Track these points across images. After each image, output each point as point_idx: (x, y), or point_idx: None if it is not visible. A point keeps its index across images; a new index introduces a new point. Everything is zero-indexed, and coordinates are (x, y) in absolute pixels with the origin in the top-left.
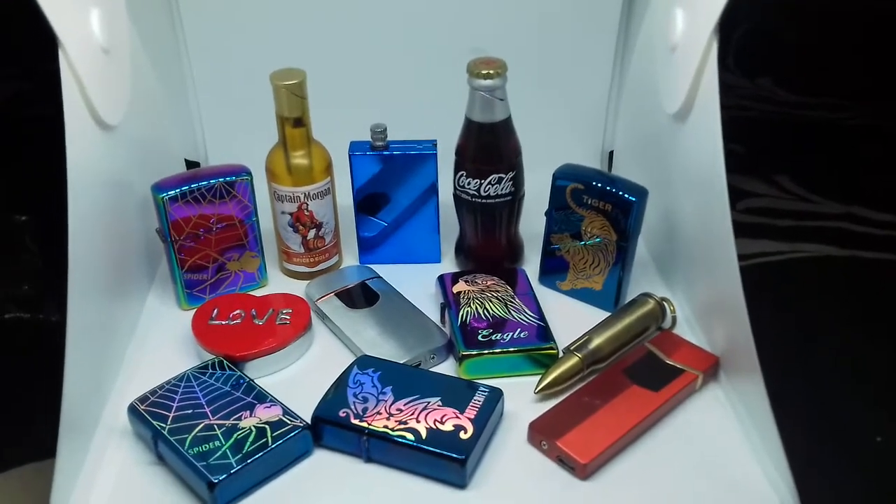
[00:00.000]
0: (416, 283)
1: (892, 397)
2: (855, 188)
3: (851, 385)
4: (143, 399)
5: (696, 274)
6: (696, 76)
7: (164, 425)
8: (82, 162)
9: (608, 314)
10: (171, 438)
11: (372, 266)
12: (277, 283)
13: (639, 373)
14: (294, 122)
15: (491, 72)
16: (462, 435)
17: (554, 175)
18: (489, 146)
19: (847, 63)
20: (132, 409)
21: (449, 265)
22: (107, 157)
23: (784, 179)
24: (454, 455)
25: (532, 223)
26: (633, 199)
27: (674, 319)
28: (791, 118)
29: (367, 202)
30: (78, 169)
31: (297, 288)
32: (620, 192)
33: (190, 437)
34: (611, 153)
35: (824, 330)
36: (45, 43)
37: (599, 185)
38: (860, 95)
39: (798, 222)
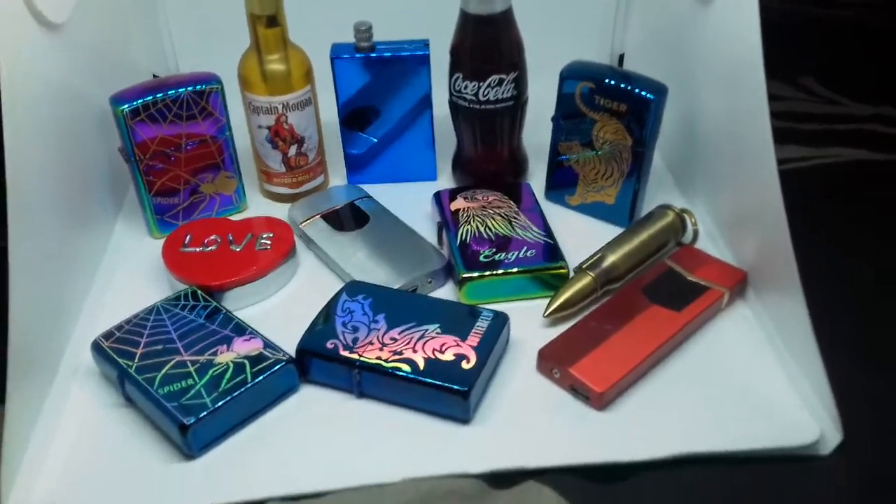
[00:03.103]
0: (410, 203)
1: None
2: (885, 89)
3: (891, 304)
4: (107, 335)
5: (721, 182)
6: None
7: (130, 363)
8: (20, 66)
9: (623, 229)
10: (139, 377)
11: (361, 186)
12: (257, 206)
13: (658, 291)
14: (267, 22)
15: None
16: (464, 364)
17: (561, 74)
18: (488, 42)
19: None
20: (96, 347)
21: (446, 182)
22: (52, 63)
23: (810, 81)
24: (456, 387)
25: (536, 132)
26: (652, 98)
27: (695, 233)
28: (814, 17)
29: (355, 116)
30: (14, 74)
31: (279, 211)
32: (637, 90)
33: (160, 376)
34: (621, 56)
35: (860, 241)
36: None
37: (613, 82)
38: None
39: (826, 126)
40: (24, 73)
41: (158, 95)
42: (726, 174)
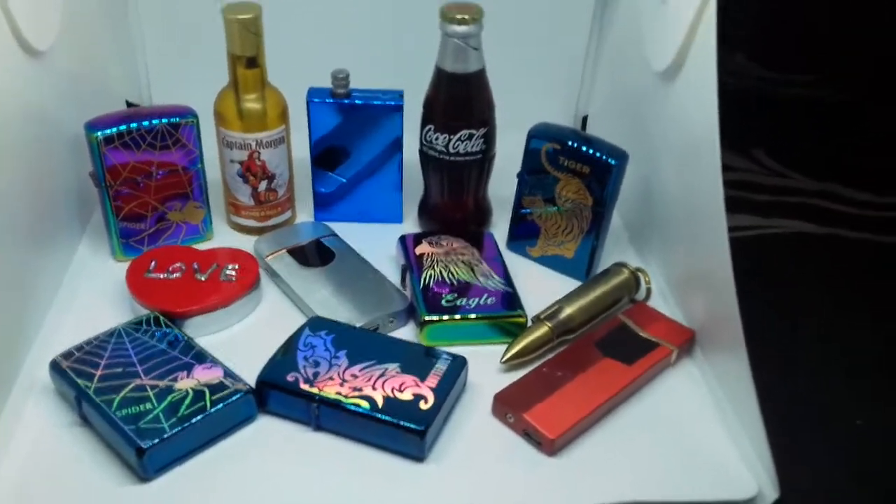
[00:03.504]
0: (376, 244)
1: (872, 379)
2: (833, 166)
3: (830, 366)
4: (67, 355)
5: (674, 245)
6: (691, 31)
7: (89, 384)
8: (1, 89)
9: (580, 283)
10: (97, 399)
11: (328, 223)
12: (223, 237)
13: (611, 345)
14: (247, 62)
15: (466, 17)
16: (422, 405)
17: (529, 133)
18: (461, 99)
19: (825, 40)
20: (54, 366)
21: (411, 226)
22: (31, 87)
23: (760, 154)
24: (413, 426)
25: (501, 185)
26: (614, 162)
27: (648, 291)
28: (767, 93)
29: (326, 155)
30: None
31: (245, 244)
32: (600, 154)
33: (118, 398)
34: (584, 118)
35: (803, 308)
36: None
37: (577, 145)
38: (839, 73)
39: (775, 197)
40: (4, 96)
41: (133, 125)
42: (680, 237)
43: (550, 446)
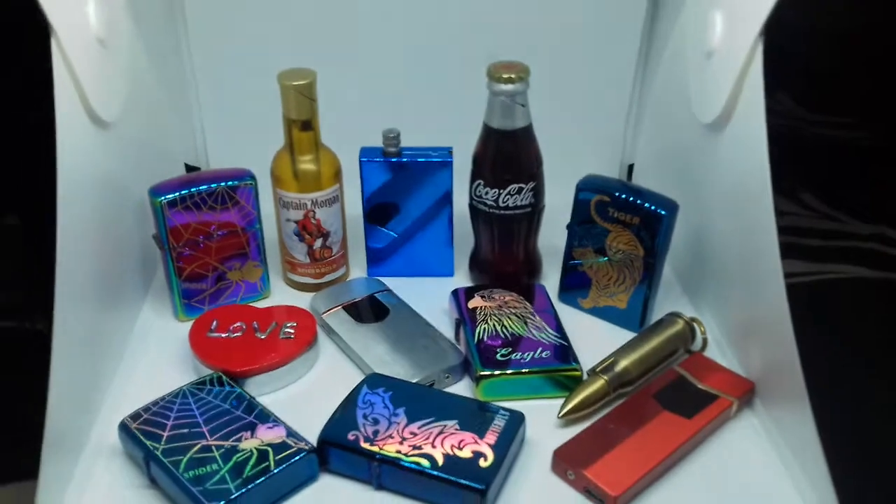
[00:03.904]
0: (428, 298)
1: None
2: (883, 208)
3: None
4: (135, 416)
5: (729, 294)
6: (738, 82)
7: (157, 445)
8: (74, 160)
9: (633, 334)
10: (165, 460)
11: (381, 279)
12: (281, 294)
13: (669, 398)
14: (302, 126)
15: (513, 76)
16: (482, 462)
17: (577, 186)
18: (509, 155)
19: (862, 82)
20: (123, 428)
21: (463, 279)
22: (101, 157)
23: (810, 198)
24: (474, 485)
25: (549, 236)
26: (664, 213)
27: (704, 341)
28: (811, 135)
29: (377, 211)
30: (69, 167)
31: (302, 300)
32: (649, 205)
33: (185, 459)
34: (630, 166)
35: (864, 355)
36: (37, 31)
37: (626, 196)
38: (881, 116)
39: (828, 242)
40: (77, 166)
41: (194, 189)
42: (734, 285)
43: None
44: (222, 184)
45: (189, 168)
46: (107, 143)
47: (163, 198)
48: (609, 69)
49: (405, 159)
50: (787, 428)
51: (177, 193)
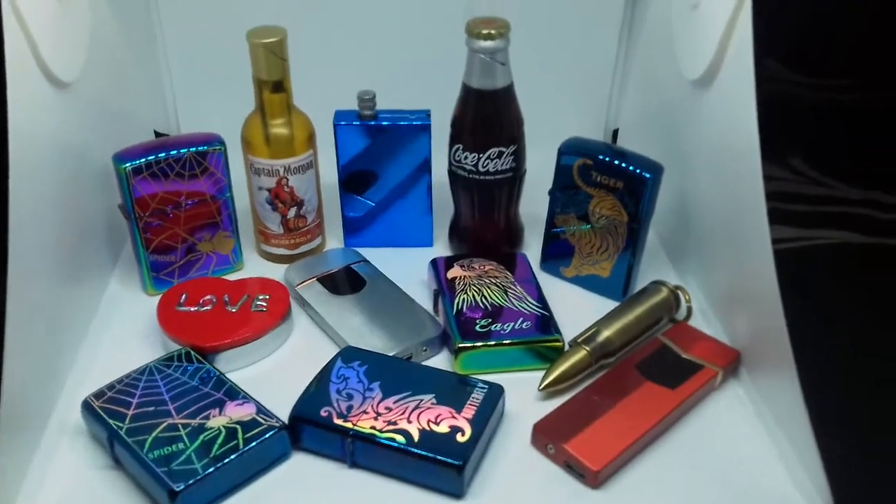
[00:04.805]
0: (406, 269)
1: None
2: (875, 173)
3: (886, 385)
4: (98, 395)
5: (715, 260)
6: (725, 35)
7: (121, 425)
8: (28, 122)
9: (617, 304)
10: (129, 440)
11: (358, 249)
12: (254, 266)
13: (653, 368)
14: (273, 87)
15: (492, 32)
16: (459, 437)
17: (559, 149)
18: (489, 116)
19: (865, 44)
20: (86, 406)
21: (442, 249)
22: (59, 120)
23: (799, 163)
24: (450, 460)
25: (532, 204)
26: (648, 176)
27: (689, 310)
28: (804, 100)
29: (354, 179)
30: (22, 130)
31: (276, 272)
32: (633, 168)
33: (150, 439)
34: (615, 131)
35: (852, 322)
36: None
37: (610, 159)
38: (877, 78)
39: (817, 207)
40: (32, 129)
41: (161, 155)
42: (720, 252)
43: (594, 478)
44: (190, 149)
45: (159, 136)
46: (65, 105)
47: (127, 164)
48: (594, 26)
49: (382, 122)
50: (773, 397)
51: (142, 160)
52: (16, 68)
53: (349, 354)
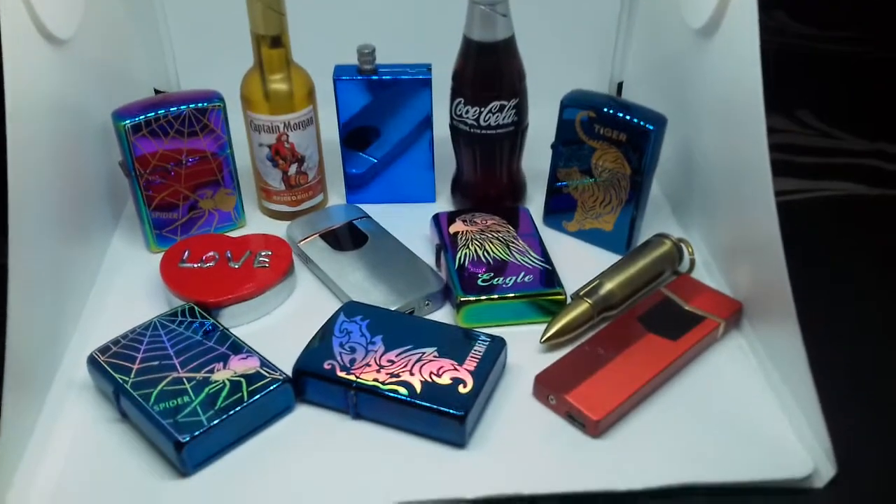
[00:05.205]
0: (409, 224)
1: None
2: (881, 124)
3: (889, 335)
4: (104, 349)
5: (718, 212)
6: None
7: (127, 378)
8: (24, 80)
9: (620, 257)
10: (135, 393)
11: (360, 206)
12: (256, 223)
13: (655, 320)
14: (271, 42)
15: None
16: (461, 389)
17: (562, 102)
18: (490, 69)
19: None
20: (92, 361)
21: (444, 205)
22: (56, 77)
23: (805, 114)
24: (452, 411)
25: (535, 158)
26: (651, 128)
27: (692, 262)
28: (807, 50)
29: (355, 135)
30: (19, 88)
31: (278, 229)
32: (637, 121)
33: (156, 392)
34: (620, 84)
35: (856, 274)
36: None
37: (613, 111)
38: (881, 28)
39: (823, 159)
40: (29, 87)
41: (160, 112)
42: (723, 205)
43: (595, 428)
44: (189, 106)
45: (158, 94)
46: (62, 62)
47: (127, 122)
48: None
49: (382, 77)
50: (775, 348)
51: (141, 117)
52: (11, 25)
53: (352, 309)
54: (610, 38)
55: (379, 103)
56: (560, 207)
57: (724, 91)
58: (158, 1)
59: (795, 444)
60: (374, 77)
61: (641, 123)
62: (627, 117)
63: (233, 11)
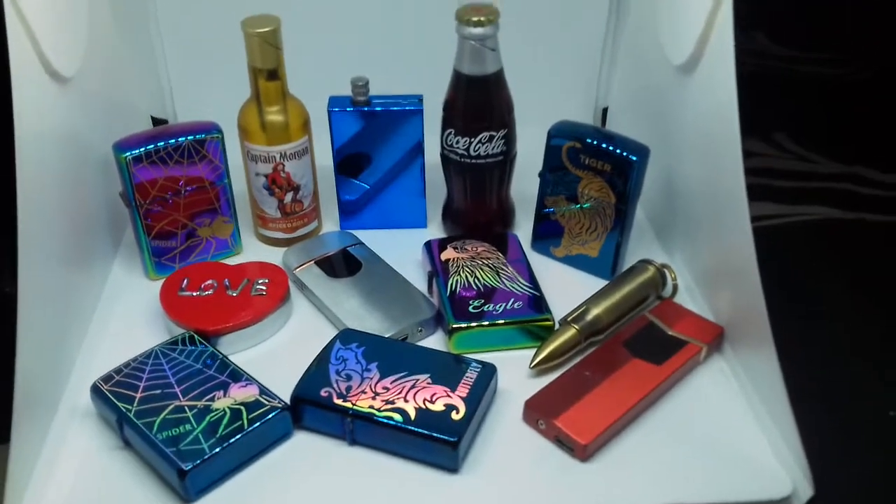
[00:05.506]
0: (401, 250)
1: None
2: (858, 148)
3: (863, 358)
4: (107, 378)
5: (699, 239)
6: (709, 21)
7: (130, 407)
8: (32, 117)
9: (605, 282)
10: (138, 422)
11: (353, 232)
12: (252, 250)
13: (640, 345)
14: (268, 75)
15: (482, 19)
16: (454, 415)
17: (549, 132)
18: (480, 101)
19: (843, 15)
20: (95, 390)
21: (435, 231)
22: (61, 113)
23: (782, 138)
24: (446, 437)
25: (523, 185)
26: (634, 159)
27: (675, 287)
28: (786, 73)
29: (348, 163)
30: (27, 125)
31: (274, 256)
32: (620, 151)
33: (158, 420)
34: (604, 110)
35: (832, 298)
36: None
37: (597, 143)
38: (859, 50)
39: (799, 183)
40: (35, 123)
41: (160, 143)
42: (704, 230)
43: (583, 452)
44: (189, 137)
45: (156, 121)
46: (67, 99)
47: (128, 153)
48: (581, 10)
49: (375, 108)
50: (755, 372)
51: (142, 149)
52: (19, 65)
53: (347, 336)
54: (595, 65)
55: (372, 132)
56: (548, 233)
57: (704, 125)
58: (156, 33)
59: (775, 465)
60: (367, 108)
61: (625, 154)
62: (611, 148)
63: (229, 43)
